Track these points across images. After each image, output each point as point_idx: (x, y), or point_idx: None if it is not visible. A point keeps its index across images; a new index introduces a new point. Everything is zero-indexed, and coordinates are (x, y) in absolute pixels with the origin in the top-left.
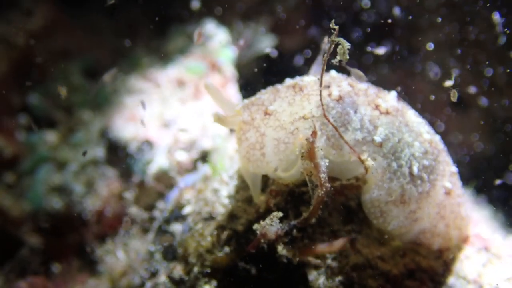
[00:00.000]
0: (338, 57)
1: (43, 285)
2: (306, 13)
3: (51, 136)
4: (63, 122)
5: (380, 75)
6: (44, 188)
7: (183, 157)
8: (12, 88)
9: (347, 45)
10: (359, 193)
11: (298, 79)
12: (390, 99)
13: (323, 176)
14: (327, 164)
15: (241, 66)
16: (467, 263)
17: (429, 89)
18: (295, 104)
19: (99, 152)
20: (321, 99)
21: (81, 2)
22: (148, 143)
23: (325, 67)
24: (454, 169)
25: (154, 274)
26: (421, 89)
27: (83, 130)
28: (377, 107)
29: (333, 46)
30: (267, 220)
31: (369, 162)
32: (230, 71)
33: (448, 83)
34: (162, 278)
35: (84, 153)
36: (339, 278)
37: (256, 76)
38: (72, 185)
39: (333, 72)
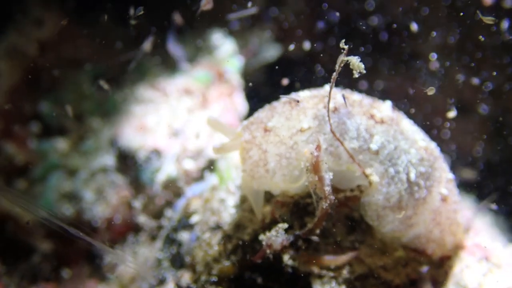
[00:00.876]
0: (355, 72)
1: None
2: (310, 20)
3: (61, 144)
4: (74, 130)
5: (381, 80)
6: (55, 195)
7: (190, 165)
8: (23, 97)
9: (356, 61)
10: None
11: (294, 95)
12: (384, 109)
13: (328, 189)
14: (331, 177)
15: (247, 75)
16: (468, 273)
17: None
18: (292, 118)
19: (108, 160)
20: (328, 115)
21: (90, 10)
22: (156, 152)
23: (333, 84)
24: (450, 175)
25: (162, 282)
26: (423, 95)
27: (92, 138)
28: (372, 116)
29: (342, 65)
30: (273, 231)
31: (374, 178)
32: (236, 80)
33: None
34: (170, 285)
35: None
36: (343, 287)
37: (263, 84)
38: (82, 192)
39: (327, 87)
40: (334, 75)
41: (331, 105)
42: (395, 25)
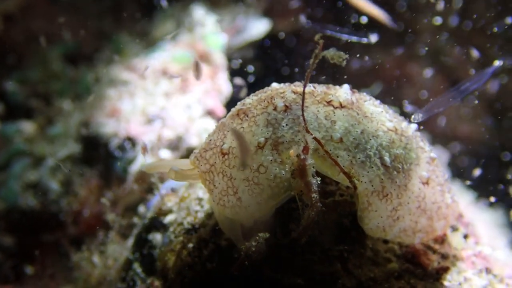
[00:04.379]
0: (339, 63)
1: None
2: None
3: (27, 128)
4: (41, 112)
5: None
6: (19, 184)
7: (167, 155)
8: None
9: (333, 53)
10: (353, 210)
11: (239, 104)
12: (341, 93)
13: (315, 196)
14: (319, 182)
15: (231, 53)
16: (466, 286)
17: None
18: (245, 133)
19: (78, 147)
20: (302, 114)
21: None
22: (130, 140)
23: (308, 81)
24: (432, 154)
25: (131, 287)
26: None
27: (61, 122)
28: (329, 103)
29: (316, 61)
30: (252, 241)
31: (361, 183)
32: (220, 59)
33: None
34: None
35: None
36: None
37: (247, 63)
38: (48, 182)
39: (274, 84)
40: (308, 71)
41: (281, 105)
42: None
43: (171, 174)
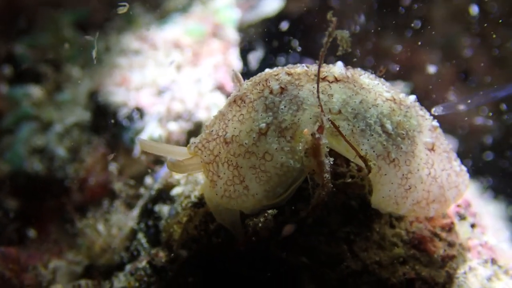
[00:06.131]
0: (340, 49)
1: (16, 257)
2: None
3: (35, 92)
4: (50, 78)
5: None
6: (25, 148)
7: (175, 128)
8: None
9: (346, 35)
10: (362, 193)
11: (235, 91)
12: (336, 69)
13: (327, 176)
14: (331, 163)
15: (243, 29)
16: (471, 276)
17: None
18: (245, 120)
19: (86, 115)
20: (318, 96)
21: None
22: (139, 111)
23: (322, 61)
24: (434, 123)
25: (135, 257)
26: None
27: (70, 88)
28: (324, 79)
29: (330, 40)
30: (261, 217)
31: (363, 151)
32: (232, 34)
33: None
34: (143, 263)
35: None
36: (333, 283)
37: (259, 40)
38: (55, 148)
39: (267, 70)
40: (323, 50)
41: (276, 87)
42: None
43: (171, 167)
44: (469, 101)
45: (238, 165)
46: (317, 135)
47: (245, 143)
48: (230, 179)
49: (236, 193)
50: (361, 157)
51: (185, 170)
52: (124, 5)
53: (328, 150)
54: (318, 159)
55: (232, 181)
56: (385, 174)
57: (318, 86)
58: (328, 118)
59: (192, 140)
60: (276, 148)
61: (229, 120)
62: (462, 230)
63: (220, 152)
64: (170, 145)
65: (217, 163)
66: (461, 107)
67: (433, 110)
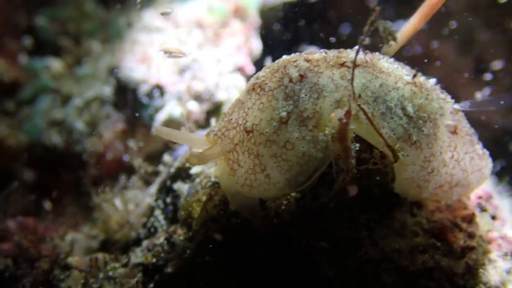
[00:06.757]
0: (386, 45)
1: (34, 227)
2: None
3: (55, 64)
4: (70, 51)
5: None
6: (44, 121)
7: (194, 107)
8: (18, 8)
9: (389, 26)
10: (385, 180)
11: (253, 79)
12: (354, 54)
13: (352, 161)
14: (357, 148)
15: (264, 12)
16: (491, 268)
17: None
18: (265, 108)
19: (106, 90)
20: (352, 83)
21: None
22: (159, 88)
23: (361, 48)
24: (455, 106)
25: (152, 233)
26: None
27: (90, 63)
28: (342, 64)
29: (372, 28)
30: (283, 200)
31: (384, 134)
32: (254, 16)
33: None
34: (161, 239)
35: None
36: (351, 269)
37: (279, 24)
38: (74, 122)
39: (284, 56)
40: (362, 37)
41: (295, 75)
42: None
43: (193, 160)
44: (502, 102)
45: (259, 154)
46: (344, 120)
47: (266, 132)
48: (251, 168)
49: (258, 182)
50: (388, 146)
51: (207, 161)
52: None
53: (354, 135)
54: (344, 144)
55: (253, 170)
56: (407, 156)
57: (353, 73)
58: (357, 103)
59: (211, 128)
60: (297, 137)
61: (248, 109)
62: (483, 221)
63: (240, 141)
64: (187, 133)
65: (237, 151)
66: (492, 106)
67: (457, 105)
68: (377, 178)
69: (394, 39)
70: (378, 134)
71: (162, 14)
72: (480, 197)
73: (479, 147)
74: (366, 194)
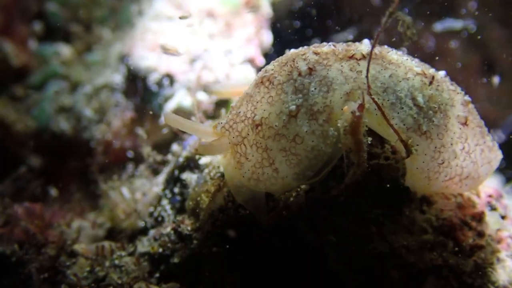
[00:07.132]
0: (406, 40)
1: (40, 213)
2: None
3: (65, 50)
4: (80, 38)
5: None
6: (52, 107)
7: (204, 98)
8: None
9: (409, 20)
10: (395, 175)
11: (261, 72)
12: (363, 47)
13: (363, 155)
14: (369, 142)
15: (275, 4)
16: (499, 267)
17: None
18: (274, 102)
19: (115, 77)
20: (367, 75)
21: None
22: (169, 77)
23: (377, 40)
24: (466, 97)
25: (159, 222)
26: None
27: (100, 50)
28: (351, 57)
29: (389, 20)
30: (293, 192)
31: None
32: (266, 7)
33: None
34: (168, 229)
35: None
36: (359, 264)
37: (291, 19)
38: (82, 109)
39: (293, 50)
40: (379, 30)
41: (304, 68)
42: None
43: (202, 150)
44: None
45: (267, 148)
46: (357, 113)
47: (275, 125)
48: (259, 162)
49: (265, 176)
50: (402, 140)
51: (215, 152)
52: None
53: (367, 129)
54: (356, 137)
55: (261, 164)
56: (417, 145)
57: (368, 66)
58: (370, 95)
59: (218, 120)
60: (306, 131)
61: (257, 102)
62: (492, 220)
63: (248, 134)
64: (195, 123)
65: (245, 145)
66: None
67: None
68: (388, 173)
69: (413, 34)
70: (388, 125)
71: (180, 18)
72: (490, 196)
73: (489, 138)
74: (376, 189)
